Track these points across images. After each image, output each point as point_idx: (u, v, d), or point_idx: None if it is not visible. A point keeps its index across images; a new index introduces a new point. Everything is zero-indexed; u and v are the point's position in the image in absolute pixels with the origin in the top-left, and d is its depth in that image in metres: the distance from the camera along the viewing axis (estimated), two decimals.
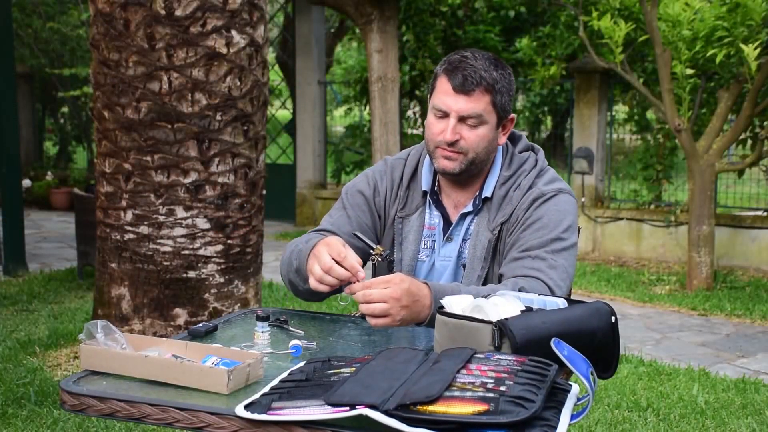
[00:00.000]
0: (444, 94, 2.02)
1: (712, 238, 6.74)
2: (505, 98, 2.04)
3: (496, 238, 2.04)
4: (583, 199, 8.30)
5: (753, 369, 4.80)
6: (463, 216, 2.11)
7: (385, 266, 2.19)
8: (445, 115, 2.02)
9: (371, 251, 2.02)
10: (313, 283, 1.89)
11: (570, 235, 2.01)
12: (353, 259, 1.84)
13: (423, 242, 2.13)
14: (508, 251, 2.01)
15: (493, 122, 2.04)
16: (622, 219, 8.24)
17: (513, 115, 2.12)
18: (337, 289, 1.93)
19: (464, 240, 2.10)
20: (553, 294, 1.89)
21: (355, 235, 2.07)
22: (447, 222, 2.13)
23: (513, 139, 2.19)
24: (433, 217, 2.14)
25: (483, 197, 2.09)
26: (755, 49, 5.71)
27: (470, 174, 2.08)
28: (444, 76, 2.03)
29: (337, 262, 1.84)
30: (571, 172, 8.54)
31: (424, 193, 2.15)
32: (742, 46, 5.77)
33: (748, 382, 4.44)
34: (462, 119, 2.01)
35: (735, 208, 8.43)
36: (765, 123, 7.02)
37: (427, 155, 2.14)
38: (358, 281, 1.82)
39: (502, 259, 2.02)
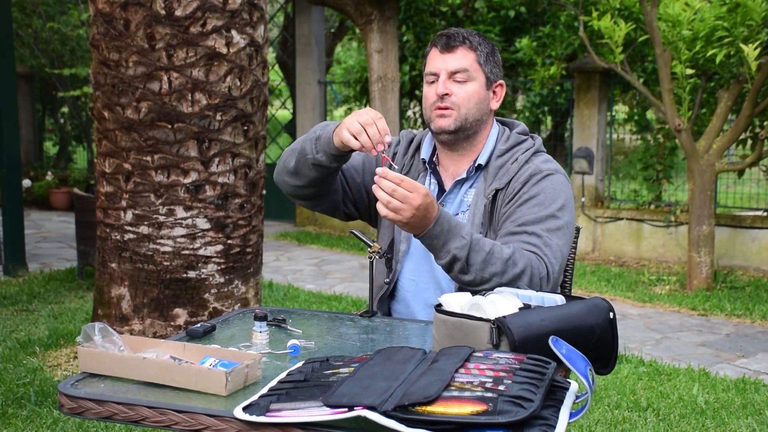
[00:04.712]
0: (432, 59, 2.20)
1: (712, 238, 6.74)
2: (490, 61, 2.19)
3: (491, 204, 2.13)
4: (583, 199, 8.29)
5: (753, 369, 4.79)
6: (458, 184, 2.21)
7: (382, 263, 2.20)
8: (436, 77, 2.17)
9: (368, 248, 2.06)
10: (345, 134, 1.99)
11: (563, 214, 2.09)
12: (384, 127, 1.99)
13: None
14: (503, 223, 2.10)
15: (481, 81, 2.18)
16: (622, 219, 8.23)
17: (502, 81, 2.25)
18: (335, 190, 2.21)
19: (462, 212, 2.19)
20: (547, 271, 1.98)
21: (352, 232, 2.15)
22: (441, 190, 2.24)
23: (511, 127, 2.29)
24: (431, 184, 2.26)
25: (477, 164, 2.19)
26: (755, 49, 5.71)
27: (466, 135, 2.19)
28: (431, 47, 2.22)
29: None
30: (571, 172, 8.54)
31: (424, 161, 2.27)
32: (742, 46, 5.77)
33: (748, 382, 4.43)
34: (451, 76, 2.15)
35: (735, 208, 8.42)
36: (765, 123, 7.02)
37: (429, 133, 2.28)
38: (383, 146, 1.98)
39: (497, 227, 2.11)
